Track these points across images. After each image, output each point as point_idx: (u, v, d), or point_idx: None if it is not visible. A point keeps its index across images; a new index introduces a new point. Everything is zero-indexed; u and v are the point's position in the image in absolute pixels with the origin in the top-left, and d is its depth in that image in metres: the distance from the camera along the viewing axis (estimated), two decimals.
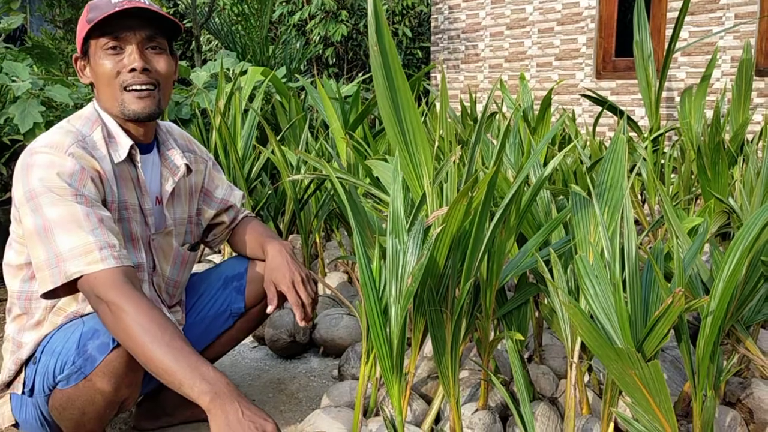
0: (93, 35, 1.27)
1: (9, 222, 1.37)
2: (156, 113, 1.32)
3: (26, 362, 1.29)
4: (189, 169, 1.47)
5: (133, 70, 1.26)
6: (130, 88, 1.28)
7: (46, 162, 1.19)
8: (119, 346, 1.16)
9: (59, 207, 1.16)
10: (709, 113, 4.26)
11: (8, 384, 1.32)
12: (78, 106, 2.86)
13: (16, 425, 1.32)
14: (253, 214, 1.69)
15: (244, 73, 3.85)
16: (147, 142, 1.39)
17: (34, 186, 1.18)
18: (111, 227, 1.21)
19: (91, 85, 1.34)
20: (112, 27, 1.25)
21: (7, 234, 1.36)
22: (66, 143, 1.22)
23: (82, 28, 1.28)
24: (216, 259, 2.83)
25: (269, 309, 1.42)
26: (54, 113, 2.69)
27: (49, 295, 1.17)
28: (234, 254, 1.70)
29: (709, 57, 4.32)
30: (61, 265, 1.14)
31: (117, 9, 1.22)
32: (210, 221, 1.60)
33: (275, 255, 1.46)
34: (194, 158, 1.54)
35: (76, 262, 1.14)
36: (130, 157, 1.33)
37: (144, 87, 1.28)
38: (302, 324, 1.37)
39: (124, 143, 1.31)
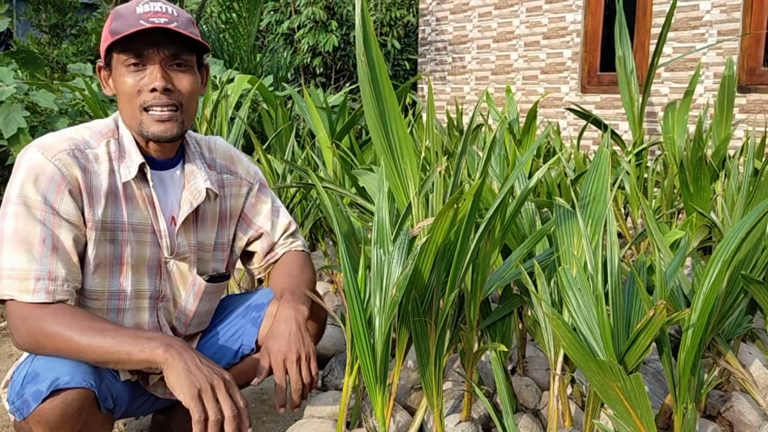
0: (115, 48, 1.20)
1: None
2: (178, 135, 1.24)
3: None
4: (214, 194, 1.36)
5: (154, 90, 1.19)
6: (151, 109, 1.21)
7: (30, 164, 1.15)
8: (53, 396, 1.05)
9: (21, 221, 1.12)
10: (692, 128, 4.31)
11: None
12: (62, 112, 2.84)
13: None
14: (301, 248, 1.50)
15: (230, 81, 3.85)
16: (167, 157, 1.31)
17: (11, 191, 1.15)
18: (65, 257, 1.15)
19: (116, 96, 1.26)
20: (134, 43, 1.18)
21: None
22: (58, 148, 1.17)
23: (105, 39, 1.21)
24: None
25: (254, 381, 1.22)
26: (38, 118, 2.67)
27: None
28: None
29: (692, 73, 4.38)
30: None
31: (139, 28, 1.15)
32: (244, 248, 1.47)
33: (280, 321, 1.26)
34: (233, 180, 1.42)
35: (8, 284, 1.11)
36: (143, 174, 1.26)
37: (165, 109, 1.21)
38: (280, 411, 1.18)
39: (134, 161, 1.24)
